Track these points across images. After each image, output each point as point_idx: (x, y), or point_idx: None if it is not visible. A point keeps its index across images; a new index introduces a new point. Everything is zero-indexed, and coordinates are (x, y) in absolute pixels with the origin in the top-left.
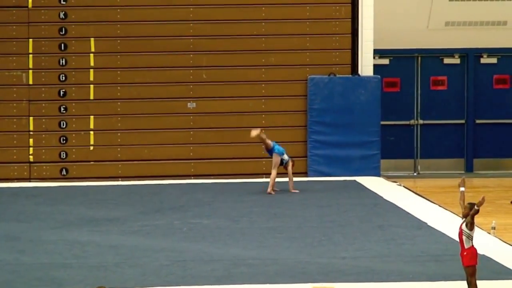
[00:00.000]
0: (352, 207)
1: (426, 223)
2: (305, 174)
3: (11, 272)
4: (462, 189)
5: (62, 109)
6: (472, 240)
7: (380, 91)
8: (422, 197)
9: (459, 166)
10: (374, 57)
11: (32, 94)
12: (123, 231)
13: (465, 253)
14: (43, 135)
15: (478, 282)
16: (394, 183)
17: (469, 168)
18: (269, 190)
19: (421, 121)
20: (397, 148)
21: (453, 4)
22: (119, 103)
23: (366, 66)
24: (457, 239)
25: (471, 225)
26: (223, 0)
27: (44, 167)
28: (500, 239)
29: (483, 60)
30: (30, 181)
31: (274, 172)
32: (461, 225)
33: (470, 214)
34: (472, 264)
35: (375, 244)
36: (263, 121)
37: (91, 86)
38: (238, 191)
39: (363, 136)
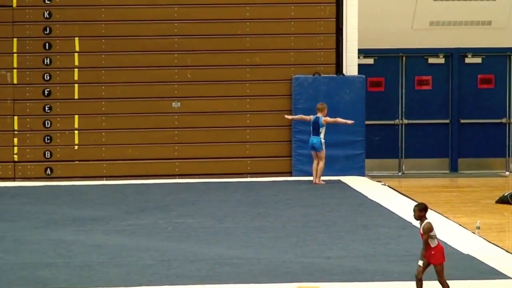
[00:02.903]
0: (337, 206)
1: (410, 223)
2: (289, 173)
3: None
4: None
5: (46, 108)
6: (436, 238)
7: (365, 91)
8: (406, 196)
9: (443, 166)
10: (358, 57)
11: (16, 93)
12: (108, 231)
13: (433, 252)
14: (28, 135)
15: (464, 282)
16: (379, 183)
17: (453, 168)
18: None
19: (405, 121)
20: (381, 148)
21: (437, 4)
22: (103, 103)
23: (351, 65)
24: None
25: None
26: None
27: (29, 166)
28: (485, 239)
29: (467, 60)
30: (14, 181)
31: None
32: (420, 229)
33: (424, 240)
34: (441, 262)
35: (359, 243)
36: (248, 121)
37: (76, 85)
38: (223, 190)
39: (347, 135)
